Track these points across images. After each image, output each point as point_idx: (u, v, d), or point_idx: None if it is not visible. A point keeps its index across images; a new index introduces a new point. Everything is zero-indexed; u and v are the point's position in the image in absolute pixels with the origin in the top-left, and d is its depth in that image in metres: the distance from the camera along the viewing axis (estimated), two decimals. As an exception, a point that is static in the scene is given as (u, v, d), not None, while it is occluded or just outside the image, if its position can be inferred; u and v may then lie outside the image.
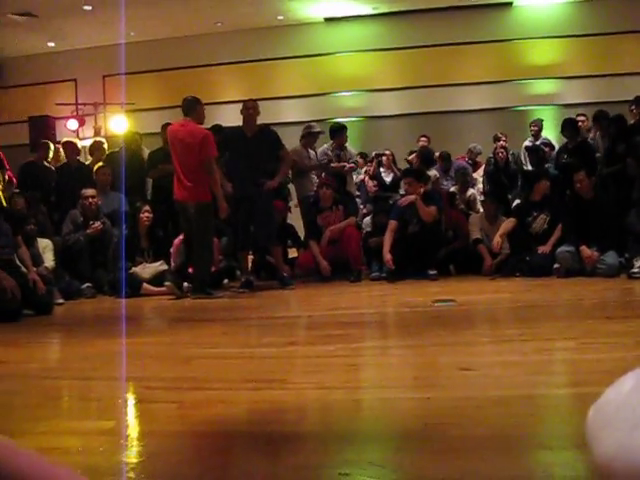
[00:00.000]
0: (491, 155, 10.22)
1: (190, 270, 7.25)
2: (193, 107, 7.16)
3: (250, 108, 7.59)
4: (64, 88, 14.28)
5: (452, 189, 9.34)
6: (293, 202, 9.46)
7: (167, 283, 7.18)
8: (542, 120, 11.10)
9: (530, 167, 9.58)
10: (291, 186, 9.34)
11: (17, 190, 8.33)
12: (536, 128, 10.85)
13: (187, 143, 6.98)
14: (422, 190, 7.82)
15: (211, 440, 2.34)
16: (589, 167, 7.64)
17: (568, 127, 9.10)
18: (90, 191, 8.13)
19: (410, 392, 2.89)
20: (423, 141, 10.85)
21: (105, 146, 10.21)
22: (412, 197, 7.72)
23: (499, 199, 8.39)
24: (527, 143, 10.57)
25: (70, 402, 3.16)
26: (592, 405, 0.68)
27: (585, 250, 6.96)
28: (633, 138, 8.25)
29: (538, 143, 10.28)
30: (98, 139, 10.91)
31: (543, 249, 7.29)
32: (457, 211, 8.62)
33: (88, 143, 12.79)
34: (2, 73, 14.29)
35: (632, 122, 8.83)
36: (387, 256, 7.55)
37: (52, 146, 9.73)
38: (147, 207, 7.90)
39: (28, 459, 0.80)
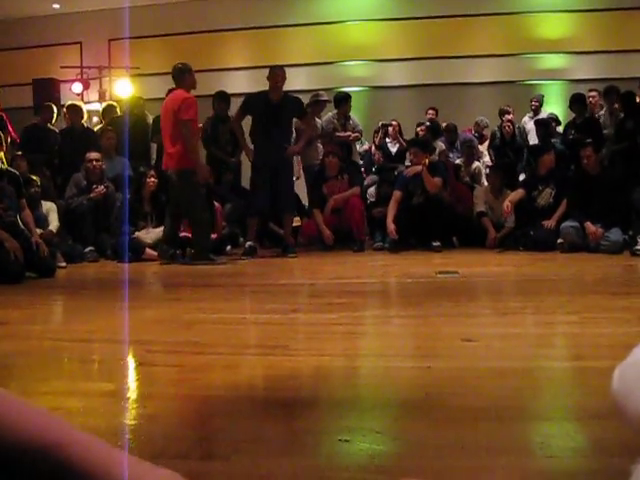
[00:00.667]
0: (496, 128, 10.17)
1: (181, 236, 7.28)
2: (181, 76, 7.07)
3: (278, 77, 7.54)
4: (69, 51, 14.16)
5: (457, 161, 9.31)
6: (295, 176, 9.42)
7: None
8: (543, 96, 11.05)
9: (536, 141, 9.52)
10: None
11: (20, 152, 8.28)
12: (537, 104, 10.80)
13: (167, 109, 6.97)
14: (427, 161, 7.79)
15: (212, 404, 2.35)
16: (596, 143, 7.60)
17: (576, 103, 9.05)
18: (95, 154, 8.11)
19: (411, 361, 2.89)
20: (431, 114, 10.81)
21: (118, 110, 10.16)
22: (418, 167, 7.69)
23: (505, 172, 8.35)
24: (526, 118, 10.51)
25: (71, 364, 3.16)
26: (620, 364, 0.66)
27: (590, 226, 6.95)
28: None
29: (545, 117, 10.21)
30: (111, 103, 10.84)
31: (548, 223, 7.27)
32: (462, 183, 8.59)
33: (93, 107, 12.79)
34: (6, 34, 14.16)
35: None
36: (391, 226, 7.55)
37: (55, 109, 9.68)
38: (152, 172, 7.89)
39: (89, 442, 0.78)
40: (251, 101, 7.69)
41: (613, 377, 0.65)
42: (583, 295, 4.51)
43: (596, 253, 6.81)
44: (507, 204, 7.53)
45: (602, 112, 9.38)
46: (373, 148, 10.09)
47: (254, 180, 7.59)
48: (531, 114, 10.71)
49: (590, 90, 10.08)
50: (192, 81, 7.15)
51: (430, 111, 10.92)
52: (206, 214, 7.17)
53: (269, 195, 7.45)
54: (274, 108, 7.42)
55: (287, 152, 7.47)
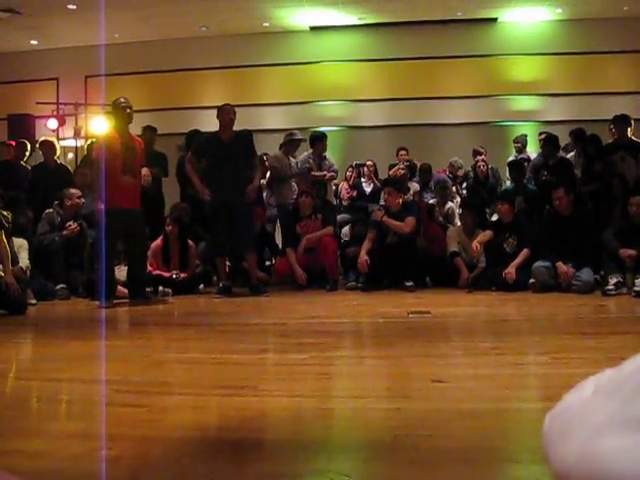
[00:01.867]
0: (469, 168, 10.28)
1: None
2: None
3: (231, 113, 7.54)
4: (45, 87, 14.16)
5: (431, 201, 9.37)
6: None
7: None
8: (526, 136, 11.20)
9: (509, 183, 9.63)
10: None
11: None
12: (520, 145, 10.94)
13: None
14: (400, 201, 7.85)
15: (178, 445, 2.31)
16: (569, 184, 7.70)
17: (548, 144, 9.17)
18: (75, 191, 8.06)
19: (381, 402, 2.87)
20: (402, 154, 10.87)
21: None
22: (379, 216, 7.78)
23: (477, 212, 8.42)
24: (511, 158, 10.64)
25: (38, 403, 3.11)
26: (549, 412, 0.66)
27: (561, 266, 7.01)
28: (609, 157, 8.34)
29: (518, 158, 10.34)
30: (93, 140, 10.79)
31: (507, 273, 7.31)
32: (436, 224, 8.64)
33: (68, 143, 12.77)
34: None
35: (610, 141, 8.93)
36: (362, 257, 7.57)
37: (29, 146, 9.65)
38: None
39: None
40: (204, 142, 7.69)
41: (544, 423, 0.65)
42: (554, 335, 4.52)
43: (568, 293, 6.86)
44: (475, 244, 7.61)
45: (570, 155, 9.50)
46: (341, 185, 10.12)
47: (212, 220, 7.57)
48: (516, 154, 10.84)
49: (541, 133, 10.33)
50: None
51: (401, 152, 10.97)
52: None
53: (228, 234, 7.42)
54: (226, 146, 7.40)
55: (247, 197, 7.42)
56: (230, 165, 7.34)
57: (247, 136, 7.65)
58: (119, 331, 5.64)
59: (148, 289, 7.24)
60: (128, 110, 6.97)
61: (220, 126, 7.55)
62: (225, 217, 7.37)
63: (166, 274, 7.70)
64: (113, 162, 6.61)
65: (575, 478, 0.54)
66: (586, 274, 6.96)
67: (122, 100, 7.07)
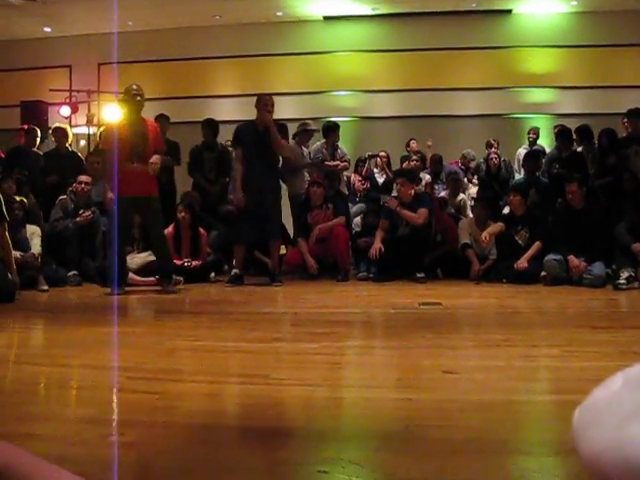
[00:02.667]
0: (482, 160, 10.24)
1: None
2: None
3: (270, 106, 7.51)
4: (58, 74, 14.19)
5: (442, 194, 9.35)
6: None
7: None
8: (539, 128, 11.15)
9: (522, 174, 9.58)
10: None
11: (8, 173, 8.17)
12: (534, 136, 10.89)
13: None
14: (412, 192, 7.84)
15: (190, 433, 2.33)
16: (582, 178, 7.66)
17: (562, 137, 9.12)
18: (85, 177, 8.10)
19: (393, 393, 2.88)
20: (413, 145, 10.83)
21: None
22: (394, 204, 7.76)
23: (489, 205, 8.38)
24: (522, 150, 10.59)
25: (49, 389, 3.13)
26: (580, 405, 0.66)
27: (573, 260, 6.99)
28: (623, 150, 8.29)
29: (533, 149, 10.29)
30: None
31: (519, 264, 7.29)
32: (447, 215, 8.62)
33: (81, 130, 12.79)
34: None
35: (624, 135, 8.88)
36: (377, 245, 7.58)
37: (39, 132, 9.65)
38: None
39: (30, 460, 0.80)
40: (242, 131, 7.68)
41: (573, 417, 0.65)
42: (565, 328, 4.51)
43: (579, 286, 6.84)
44: (485, 235, 7.58)
45: (580, 149, 9.44)
46: (353, 177, 10.11)
47: (243, 207, 7.58)
48: (526, 146, 10.80)
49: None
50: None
51: (412, 142, 10.94)
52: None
53: (256, 223, 7.44)
54: (262, 136, 7.42)
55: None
56: (263, 153, 7.38)
57: (282, 127, 7.65)
58: (131, 318, 5.66)
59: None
60: (138, 98, 6.97)
61: (257, 115, 7.56)
62: (256, 204, 7.38)
63: (178, 262, 7.71)
64: (121, 150, 6.62)
65: (604, 464, 0.55)
66: (598, 268, 6.92)
67: (134, 87, 7.07)
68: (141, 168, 6.74)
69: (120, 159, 6.56)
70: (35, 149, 9.50)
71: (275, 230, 7.61)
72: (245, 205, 7.36)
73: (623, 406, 0.59)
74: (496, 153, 9.90)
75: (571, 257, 7.00)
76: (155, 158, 6.78)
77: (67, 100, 13.11)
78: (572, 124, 10.13)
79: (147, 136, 6.88)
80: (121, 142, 6.60)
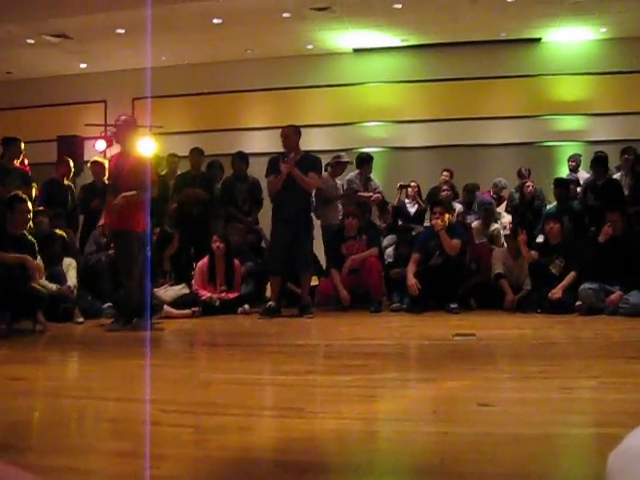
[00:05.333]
0: (514, 190, 10.19)
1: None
2: None
3: (289, 134, 7.62)
4: (94, 109, 14.45)
5: (475, 223, 9.30)
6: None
7: None
8: (580, 155, 11.01)
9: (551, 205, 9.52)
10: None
11: (41, 208, 8.30)
12: (574, 163, 10.81)
13: None
14: (447, 222, 7.82)
15: (226, 466, 2.33)
16: (619, 206, 7.57)
17: (597, 164, 9.05)
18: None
19: (428, 426, 2.86)
20: (445, 175, 10.80)
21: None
22: (439, 225, 7.70)
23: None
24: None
25: (85, 422, 3.15)
26: (613, 450, 0.66)
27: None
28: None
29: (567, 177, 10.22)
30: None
31: (553, 294, 7.23)
32: (481, 244, 8.58)
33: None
34: (34, 92, 14.48)
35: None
36: (411, 281, 7.54)
37: (72, 164, 9.77)
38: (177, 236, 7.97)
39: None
40: (274, 162, 7.75)
41: (607, 462, 0.65)
42: (603, 359, 4.45)
43: (615, 316, 6.75)
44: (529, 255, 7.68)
45: (617, 175, 9.36)
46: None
47: (273, 238, 7.63)
48: (569, 173, 10.73)
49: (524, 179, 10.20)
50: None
51: (445, 172, 10.93)
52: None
53: (286, 254, 7.47)
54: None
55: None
56: (293, 184, 7.41)
57: (312, 159, 7.73)
58: (165, 351, 5.69)
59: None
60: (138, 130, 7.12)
61: (284, 147, 7.65)
62: (287, 235, 7.43)
63: (215, 295, 7.75)
64: (118, 182, 6.70)
65: None
66: (634, 297, 6.83)
67: (134, 119, 7.17)
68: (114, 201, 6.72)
69: (118, 192, 6.66)
70: (68, 181, 9.62)
71: (305, 262, 7.63)
72: (272, 236, 7.40)
73: None
74: (531, 182, 9.88)
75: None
76: (118, 199, 6.68)
77: (102, 134, 13.32)
78: (604, 151, 10.08)
79: (123, 170, 6.83)
80: (117, 175, 6.72)
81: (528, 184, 9.75)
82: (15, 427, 2.87)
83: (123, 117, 7.11)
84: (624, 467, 0.59)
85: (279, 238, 7.51)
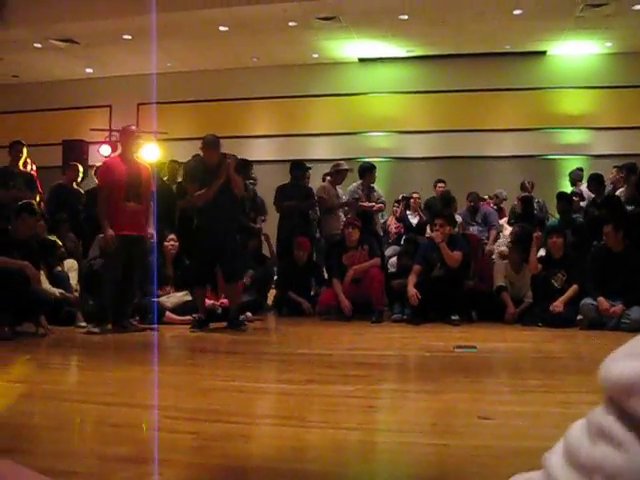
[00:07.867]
0: (515, 203, 10.21)
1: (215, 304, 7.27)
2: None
3: (210, 144, 7.04)
4: (99, 114, 14.53)
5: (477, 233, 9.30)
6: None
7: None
8: (582, 169, 10.98)
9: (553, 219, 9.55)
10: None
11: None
12: (576, 178, 10.81)
13: None
14: (448, 233, 7.83)
15: (226, 474, 2.34)
16: (619, 220, 7.58)
17: (593, 182, 9.11)
18: None
19: (427, 438, 2.87)
20: (440, 187, 10.72)
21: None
22: (439, 237, 7.69)
23: (524, 248, 8.31)
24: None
25: (87, 426, 3.17)
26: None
27: (603, 302, 6.91)
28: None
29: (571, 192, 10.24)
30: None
31: (554, 307, 7.25)
32: (484, 257, 8.59)
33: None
34: (40, 96, 14.54)
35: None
36: (412, 291, 7.53)
37: (81, 168, 9.81)
38: (172, 236, 7.95)
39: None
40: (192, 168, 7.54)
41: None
42: (602, 374, 4.44)
43: (616, 331, 6.75)
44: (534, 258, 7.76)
45: (622, 189, 9.37)
46: (389, 219, 10.14)
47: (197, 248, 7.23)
48: (573, 188, 10.72)
49: (614, 167, 10.06)
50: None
51: (439, 184, 10.85)
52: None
53: (215, 262, 7.11)
54: (209, 173, 6.96)
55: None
56: (222, 194, 6.92)
57: (224, 162, 6.98)
58: (167, 357, 5.69)
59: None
60: (139, 140, 7.15)
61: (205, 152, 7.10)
62: (213, 245, 6.92)
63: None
64: (117, 188, 6.73)
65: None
66: (636, 312, 6.83)
67: (133, 128, 7.20)
68: (137, 207, 6.82)
69: (116, 198, 6.68)
70: (76, 186, 9.65)
71: (236, 271, 7.21)
72: (202, 246, 7.00)
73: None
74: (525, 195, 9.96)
75: (601, 299, 6.93)
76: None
77: (107, 139, 13.37)
78: (607, 165, 10.11)
79: (141, 176, 6.93)
80: (117, 181, 6.73)
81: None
82: (17, 430, 2.88)
83: (133, 127, 7.30)
84: (626, 355, 0.59)
85: (204, 249, 7.01)
